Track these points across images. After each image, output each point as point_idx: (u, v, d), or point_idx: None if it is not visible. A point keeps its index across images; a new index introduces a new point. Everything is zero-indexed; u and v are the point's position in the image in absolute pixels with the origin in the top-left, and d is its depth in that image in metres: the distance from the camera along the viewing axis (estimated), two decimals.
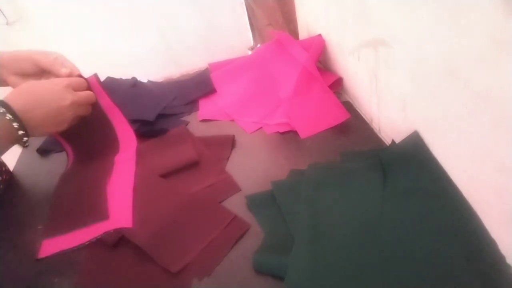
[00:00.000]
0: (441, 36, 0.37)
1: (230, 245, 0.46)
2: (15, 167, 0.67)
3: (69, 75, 0.55)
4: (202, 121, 0.71)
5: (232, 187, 0.54)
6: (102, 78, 0.75)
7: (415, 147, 0.47)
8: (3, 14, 1.10)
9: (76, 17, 1.17)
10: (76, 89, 0.53)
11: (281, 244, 0.44)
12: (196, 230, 0.48)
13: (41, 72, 0.56)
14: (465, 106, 0.36)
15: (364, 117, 0.64)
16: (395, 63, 0.49)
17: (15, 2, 1.10)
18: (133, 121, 0.66)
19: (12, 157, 0.64)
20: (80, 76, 0.56)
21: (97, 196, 0.54)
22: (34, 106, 0.48)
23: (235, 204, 0.51)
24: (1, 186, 0.60)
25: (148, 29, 1.26)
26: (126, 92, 0.77)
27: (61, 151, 0.65)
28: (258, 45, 1.35)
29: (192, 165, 0.58)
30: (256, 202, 0.50)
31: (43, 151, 0.69)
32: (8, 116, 0.45)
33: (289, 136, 0.63)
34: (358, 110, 0.66)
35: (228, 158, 0.60)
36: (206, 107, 0.75)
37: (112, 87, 0.77)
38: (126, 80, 0.81)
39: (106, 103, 0.60)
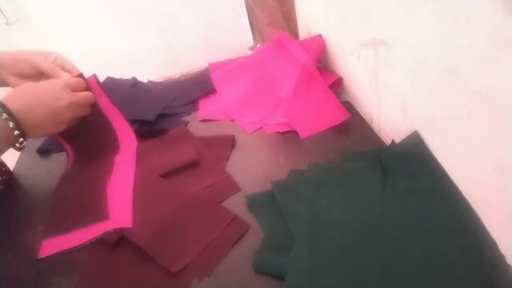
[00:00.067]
0: (441, 36, 0.37)
1: (230, 245, 0.46)
2: (15, 167, 0.67)
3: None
4: (202, 121, 0.71)
5: (232, 187, 0.54)
6: (102, 78, 0.75)
7: (415, 147, 0.47)
8: (3, 14, 1.10)
9: (76, 17, 1.17)
10: (74, 89, 0.53)
11: (281, 244, 0.44)
12: (196, 230, 0.48)
13: (41, 74, 0.56)
14: (465, 106, 0.36)
15: (364, 117, 0.64)
16: (395, 63, 0.49)
17: (15, 2, 1.10)
18: (133, 121, 0.66)
19: (12, 157, 0.64)
20: (81, 76, 0.56)
21: (97, 196, 0.54)
22: (32, 107, 0.48)
23: (235, 204, 0.51)
24: (1, 187, 0.60)
25: (148, 29, 1.26)
26: (126, 92, 0.77)
27: (61, 151, 0.65)
28: (258, 45, 1.35)
29: (192, 165, 0.58)
30: (256, 202, 0.50)
31: (43, 151, 0.69)
32: (4, 116, 0.45)
33: (289, 136, 0.63)
34: (358, 110, 0.66)
35: (228, 158, 0.60)
36: (206, 107, 0.75)
37: (112, 87, 0.77)
38: (126, 80, 0.81)
39: (105, 104, 0.60)
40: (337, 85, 0.71)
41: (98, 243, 0.48)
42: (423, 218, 0.42)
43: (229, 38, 1.34)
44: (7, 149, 0.49)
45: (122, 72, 0.82)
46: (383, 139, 0.58)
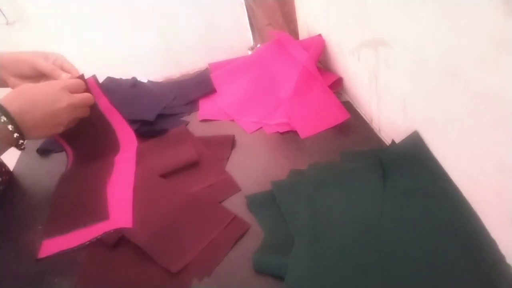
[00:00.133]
0: (441, 36, 0.37)
1: (230, 245, 0.46)
2: (15, 167, 0.67)
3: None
4: (202, 121, 0.71)
5: (232, 187, 0.54)
6: (102, 78, 0.75)
7: (415, 147, 0.47)
8: (3, 14, 1.10)
9: (76, 17, 1.17)
10: (73, 91, 0.53)
11: (281, 244, 0.44)
12: (196, 230, 0.48)
13: (41, 74, 0.56)
14: (465, 106, 0.36)
15: (364, 117, 0.64)
16: (395, 63, 0.49)
17: (15, 2, 1.10)
18: (133, 121, 0.66)
19: (12, 157, 0.64)
20: (81, 77, 0.56)
21: (97, 196, 0.54)
22: (30, 109, 0.48)
23: (235, 204, 0.51)
24: (0, 187, 0.60)
25: (148, 29, 1.26)
26: (126, 92, 0.77)
27: (61, 151, 0.65)
28: (258, 45, 1.35)
29: (192, 165, 0.58)
30: (256, 202, 0.50)
31: (43, 151, 0.69)
32: (3, 119, 0.45)
33: (289, 136, 0.63)
34: (358, 110, 0.66)
35: (228, 158, 0.60)
36: (206, 107, 0.75)
37: (112, 87, 0.77)
38: (126, 80, 0.81)
39: (105, 105, 0.60)
40: (337, 85, 0.71)
41: (98, 243, 0.48)
42: (423, 218, 0.42)
43: (229, 38, 1.34)
44: (8, 149, 0.49)
45: (122, 72, 0.82)
46: (383, 139, 0.58)
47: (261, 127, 0.66)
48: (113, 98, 0.61)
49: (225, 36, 1.34)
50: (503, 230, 0.36)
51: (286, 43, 0.75)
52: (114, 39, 1.25)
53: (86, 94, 0.55)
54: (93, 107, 0.57)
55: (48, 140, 0.70)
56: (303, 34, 0.90)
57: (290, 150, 0.59)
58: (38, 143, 0.69)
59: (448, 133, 0.41)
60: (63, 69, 0.56)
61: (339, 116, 0.62)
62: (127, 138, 0.63)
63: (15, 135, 0.47)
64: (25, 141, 0.49)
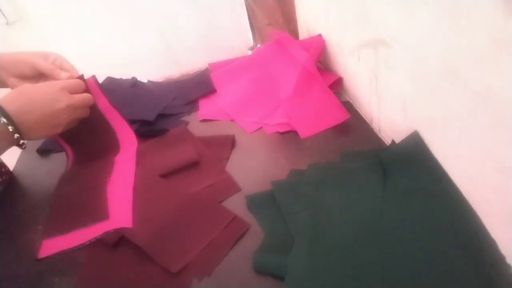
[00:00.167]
0: (441, 36, 0.37)
1: (230, 245, 0.46)
2: (15, 167, 0.67)
3: (69, 78, 0.55)
4: (202, 121, 0.71)
5: (232, 187, 0.54)
6: (102, 78, 0.75)
7: (415, 147, 0.47)
8: (3, 14, 1.10)
9: (76, 17, 1.17)
10: (73, 91, 0.53)
11: (281, 244, 0.44)
12: (196, 230, 0.48)
13: (41, 75, 0.56)
14: (465, 106, 0.36)
15: (364, 117, 0.64)
16: (395, 63, 0.49)
17: (15, 2, 1.10)
18: (133, 121, 0.66)
19: (12, 157, 0.65)
20: (81, 77, 0.56)
21: (97, 196, 0.54)
22: (28, 109, 0.48)
23: (235, 204, 0.51)
24: (0, 187, 0.60)
25: (148, 29, 1.26)
26: (126, 92, 0.77)
27: (61, 151, 0.65)
28: (258, 45, 1.35)
29: (192, 165, 0.58)
30: (256, 202, 0.50)
31: (43, 151, 0.69)
32: (3, 120, 0.45)
33: (289, 136, 0.63)
34: (358, 110, 0.66)
35: (228, 158, 0.60)
36: (206, 107, 0.75)
37: (112, 87, 0.77)
38: (126, 80, 0.81)
39: (104, 105, 0.60)
40: (337, 85, 0.71)
41: (98, 243, 0.48)
42: (423, 218, 0.42)
43: (229, 38, 1.34)
44: (8, 148, 0.49)
45: (122, 72, 0.82)
46: (383, 139, 0.58)
47: (261, 127, 0.66)
48: (113, 98, 0.61)
49: (225, 36, 1.34)
50: (503, 230, 0.36)
51: (286, 43, 0.75)
52: (114, 39, 1.25)
53: (86, 95, 0.55)
54: (93, 108, 0.57)
55: (48, 140, 0.70)
56: (303, 34, 0.90)
57: (290, 150, 0.59)
58: (38, 143, 0.69)
59: (448, 133, 0.41)
60: (62, 69, 0.56)
61: (339, 116, 0.62)
62: (127, 138, 0.63)
63: (16, 135, 0.47)
64: (25, 141, 0.49)
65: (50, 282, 0.45)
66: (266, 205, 0.49)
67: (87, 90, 0.56)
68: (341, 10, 0.62)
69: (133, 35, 1.26)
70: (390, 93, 0.53)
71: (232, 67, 0.80)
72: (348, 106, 0.66)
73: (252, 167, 0.57)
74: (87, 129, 0.59)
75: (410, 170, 0.47)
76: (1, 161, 0.63)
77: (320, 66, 0.80)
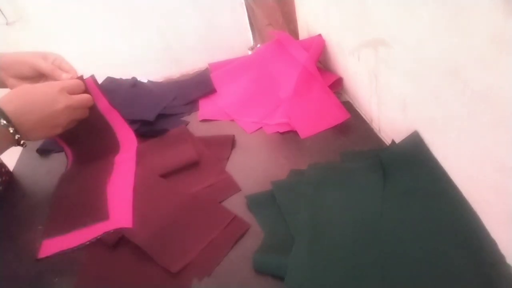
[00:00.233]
0: (441, 36, 0.37)
1: (230, 245, 0.46)
2: (15, 167, 0.67)
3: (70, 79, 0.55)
4: (202, 121, 0.71)
5: (232, 187, 0.54)
6: (102, 78, 0.75)
7: (415, 147, 0.47)
8: (3, 14, 1.10)
9: (76, 17, 1.18)
10: (72, 92, 0.53)
11: (281, 244, 0.44)
12: (196, 230, 0.48)
13: (40, 75, 0.56)
14: (465, 106, 0.36)
15: (364, 117, 0.64)
16: (395, 63, 0.49)
17: (15, 2, 1.11)
18: (133, 121, 0.66)
19: (12, 157, 0.64)
20: (81, 78, 0.56)
21: (97, 196, 0.54)
22: (27, 111, 0.48)
23: (235, 204, 0.51)
24: (0, 187, 0.60)
25: (148, 29, 1.26)
26: (126, 92, 0.77)
27: (60, 151, 0.65)
28: (258, 45, 1.35)
29: (192, 165, 0.58)
30: (256, 202, 0.50)
31: (43, 151, 0.69)
32: (3, 122, 0.45)
33: (289, 136, 0.63)
34: (358, 110, 0.66)
35: (228, 158, 0.60)
36: (206, 107, 0.75)
37: (112, 87, 0.77)
38: (126, 80, 0.81)
39: (104, 105, 0.60)
40: (337, 85, 0.71)
41: (98, 243, 0.48)
42: (423, 218, 0.42)
43: (229, 38, 1.34)
44: (8, 148, 0.49)
45: (122, 72, 0.82)
46: (383, 139, 0.58)
47: (261, 127, 0.66)
48: (113, 98, 0.61)
49: (225, 36, 1.34)
50: (503, 230, 0.36)
51: (286, 43, 0.75)
52: (114, 39, 1.25)
53: (85, 95, 0.55)
54: (92, 108, 0.57)
55: (48, 140, 0.70)
56: (303, 34, 0.90)
57: (290, 150, 0.59)
58: (38, 143, 0.69)
59: (448, 133, 0.41)
60: (61, 69, 0.56)
61: (339, 116, 0.62)
62: (126, 138, 0.63)
63: (17, 136, 0.47)
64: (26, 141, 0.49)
65: (50, 282, 0.45)
66: (266, 205, 0.49)
67: (86, 90, 0.56)
68: (341, 10, 0.62)
69: (133, 35, 1.26)
70: (390, 93, 0.53)
71: (232, 67, 0.80)
72: (348, 106, 0.66)
73: (252, 167, 0.57)
74: (87, 129, 0.59)
75: (410, 170, 0.47)
76: (1, 161, 0.63)
77: (320, 66, 0.80)
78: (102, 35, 1.23)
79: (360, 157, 0.55)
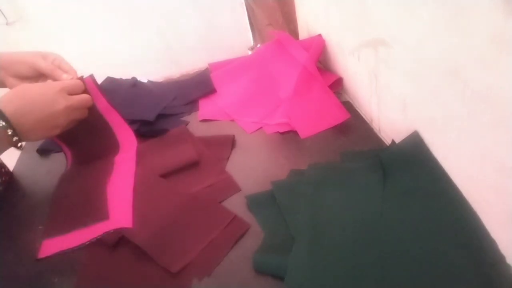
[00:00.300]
0: (441, 36, 0.37)
1: (230, 245, 0.46)
2: (15, 167, 0.67)
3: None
4: (202, 121, 0.71)
5: (232, 187, 0.54)
6: (102, 78, 0.76)
7: (415, 147, 0.47)
8: (3, 14, 1.10)
9: (76, 17, 1.18)
10: (71, 92, 0.52)
11: (281, 244, 0.44)
12: (196, 230, 0.48)
13: (40, 75, 0.55)
14: (465, 106, 0.36)
15: (364, 117, 0.64)
16: (395, 63, 0.49)
17: (15, 2, 1.11)
18: (133, 121, 0.66)
19: (12, 157, 0.64)
20: (80, 78, 0.56)
21: (97, 196, 0.54)
22: (27, 111, 0.47)
23: (235, 204, 0.51)
24: (0, 188, 0.60)
25: (148, 29, 1.26)
26: (126, 92, 0.77)
27: (61, 151, 0.65)
28: (258, 45, 1.35)
29: (192, 165, 0.58)
30: (256, 202, 0.50)
31: (43, 151, 0.69)
32: (1, 123, 0.45)
33: (289, 136, 0.63)
34: (358, 110, 0.66)
35: (228, 158, 0.60)
36: (206, 107, 0.75)
37: (112, 87, 0.77)
38: (126, 80, 0.81)
39: (103, 105, 0.60)
40: (337, 85, 0.71)
41: (98, 243, 0.48)
42: (423, 218, 0.42)
43: (229, 38, 1.35)
44: (6, 149, 0.49)
45: (122, 72, 0.82)
46: (383, 139, 0.58)
47: (261, 127, 0.66)
48: (113, 98, 0.61)
49: (225, 36, 1.34)
50: (503, 230, 0.36)
51: (286, 43, 0.75)
52: (114, 39, 1.25)
53: (84, 96, 0.55)
54: (92, 108, 0.57)
55: (47, 140, 0.70)
56: (303, 34, 0.90)
57: (290, 150, 0.59)
58: (38, 143, 0.69)
59: (448, 133, 0.41)
60: (61, 69, 0.56)
61: (339, 116, 0.62)
62: (126, 138, 0.63)
63: (14, 138, 0.47)
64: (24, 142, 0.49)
65: (50, 282, 0.45)
66: (266, 205, 0.49)
67: (85, 91, 0.56)
68: (341, 10, 0.62)
69: (133, 35, 1.26)
70: (390, 93, 0.53)
71: (232, 67, 0.80)
72: (348, 106, 0.66)
73: (252, 167, 0.57)
74: (86, 129, 0.58)
75: (410, 170, 0.47)
76: (1, 161, 0.63)
77: (320, 66, 0.80)
78: (102, 35, 1.23)
79: (360, 157, 0.55)
